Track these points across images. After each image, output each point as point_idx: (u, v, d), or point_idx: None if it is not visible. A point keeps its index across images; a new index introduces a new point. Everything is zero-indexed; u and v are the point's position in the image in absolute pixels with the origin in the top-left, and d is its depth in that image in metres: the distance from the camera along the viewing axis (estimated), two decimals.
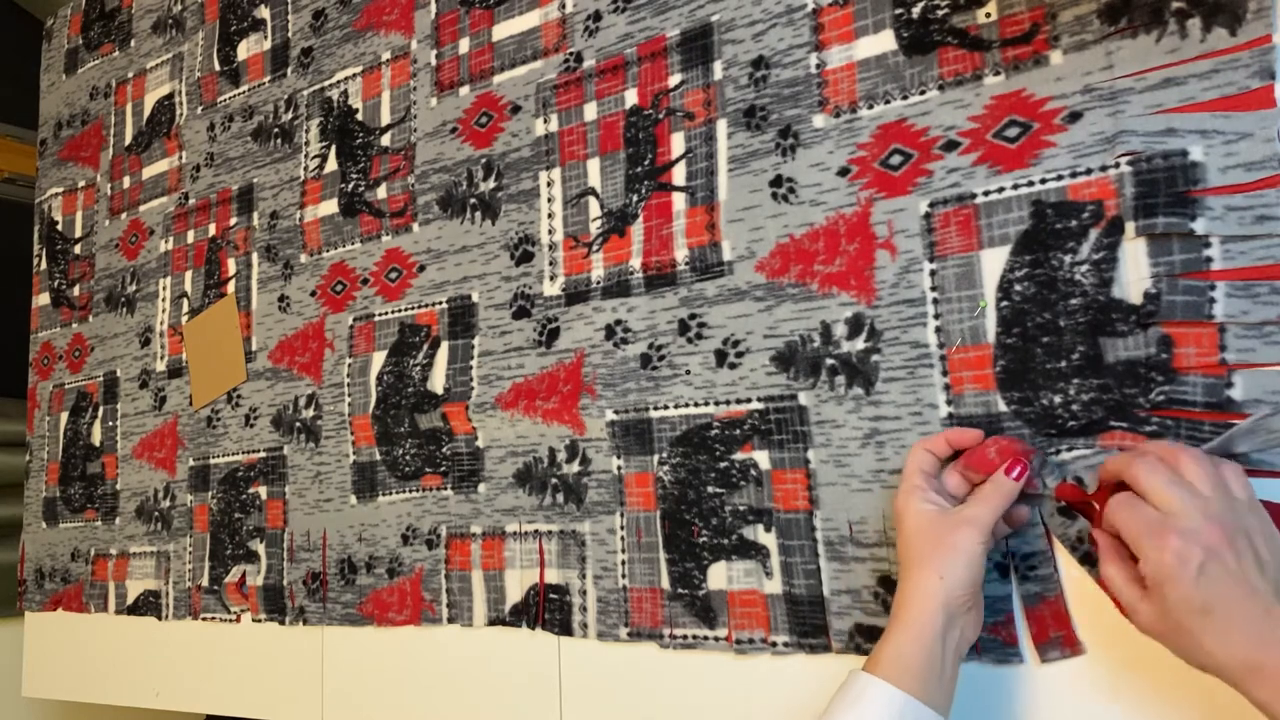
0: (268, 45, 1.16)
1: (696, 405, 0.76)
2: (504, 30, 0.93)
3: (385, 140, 1.01)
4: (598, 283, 0.83)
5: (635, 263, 0.80)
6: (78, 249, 1.37)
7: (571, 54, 0.87)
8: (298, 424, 1.05)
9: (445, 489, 0.91)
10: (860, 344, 0.68)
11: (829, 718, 0.55)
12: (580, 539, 0.81)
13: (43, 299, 1.42)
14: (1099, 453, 0.59)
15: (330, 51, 1.08)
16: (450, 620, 0.89)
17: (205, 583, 1.11)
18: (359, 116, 1.04)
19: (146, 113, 1.31)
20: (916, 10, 0.68)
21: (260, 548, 1.06)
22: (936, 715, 0.54)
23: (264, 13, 1.17)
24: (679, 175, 0.79)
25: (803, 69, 0.73)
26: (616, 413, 0.80)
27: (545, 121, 0.88)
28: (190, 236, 1.21)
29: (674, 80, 0.80)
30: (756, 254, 0.74)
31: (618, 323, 0.81)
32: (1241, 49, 0.56)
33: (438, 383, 0.92)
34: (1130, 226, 0.58)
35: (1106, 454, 0.58)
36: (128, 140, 1.33)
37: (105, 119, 1.37)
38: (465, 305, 0.92)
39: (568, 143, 0.86)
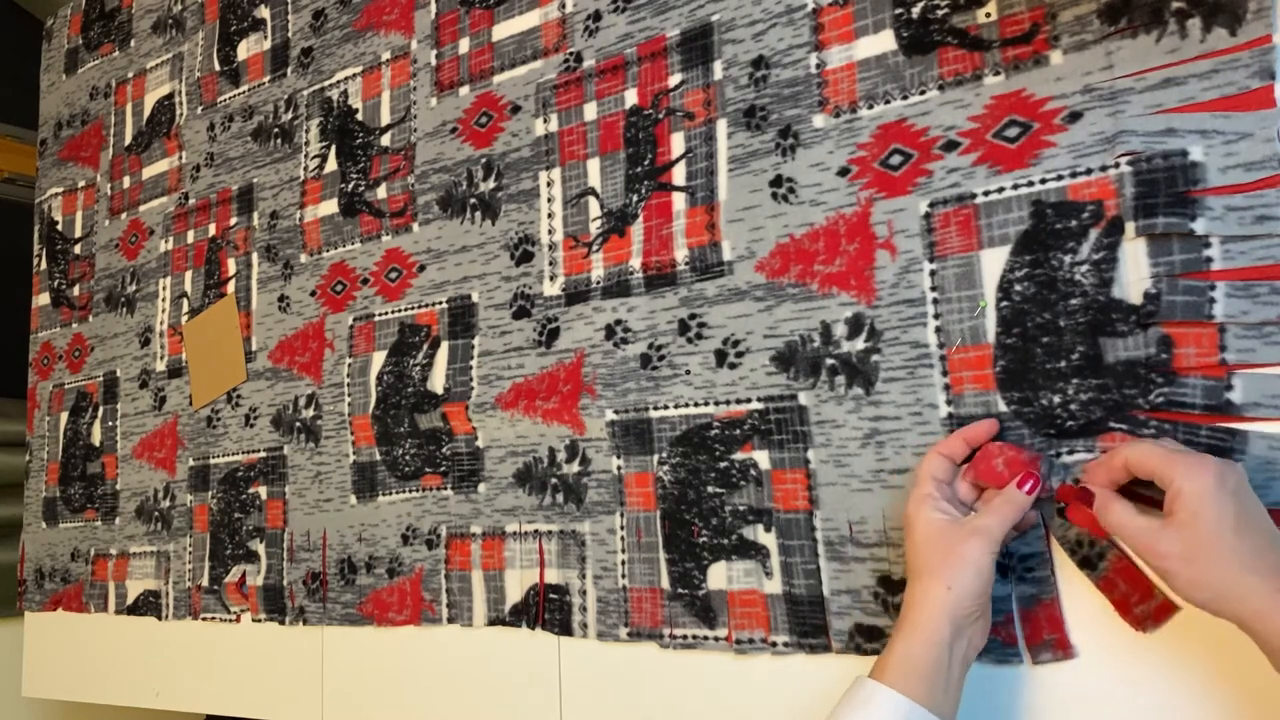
0: (268, 45, 1.16)
1: (696, 405, 0.76)
2: (504, 30, 0.93)
3: (385, 140, 1.01)
4: (598, 283, 0.83)
5: (635, 263, 0.80)
6: (78, 249, 1.37)
7: (571, 54, 0.87)
8: (298, 424, 1.05)
9: (445, 489, 0.91)
10: (860, 344, 0.68)
11: None
12: (580, 539, 0.81)
13: (43, 299, 1.42)
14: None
15: (330, 51, 1.08)
16: (450, 620, 0.89)
17: (205, 583, 1.11)
18: (359, 116, 1.04)
19: (146, 113, 1.31)
20: (916, 10, 0.68)
21: (260, 548, 1.06)
22: None
23: (264, 13, 1.17)
24: (679, 175, 0.79)
25: (803, 69, 0.73)
26: (616, 413, 0.80)
27: (545, 121, 0.88)
28: (190, 236, 1.21)
29: (674, 80, 0.80)
30: (756, 254, 0.74)
31: (618, 323, 0.81)
32: (1241, 49, 0.56)
33: (438, 383, 0.92)
34: (1130, 226, 0.58)
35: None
36: (128, 140, 1.33)
37: (105, 119, 1.37)
38: (465, 305, 0.92)
39: (568, 143, 0.86)
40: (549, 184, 0.87)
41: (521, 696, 0.84)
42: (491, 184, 0.91)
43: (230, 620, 1.08)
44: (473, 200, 0.92)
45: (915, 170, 0.67)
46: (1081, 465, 0.59)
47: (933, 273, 0.66)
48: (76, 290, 1.36)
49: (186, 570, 1.13)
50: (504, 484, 0.87)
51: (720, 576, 0.73)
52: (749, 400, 0.73)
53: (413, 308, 0.96)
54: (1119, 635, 0.58)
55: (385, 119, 1.01)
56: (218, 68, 1.22)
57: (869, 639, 0.66)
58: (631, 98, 0.82)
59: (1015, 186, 0.63)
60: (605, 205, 0.83)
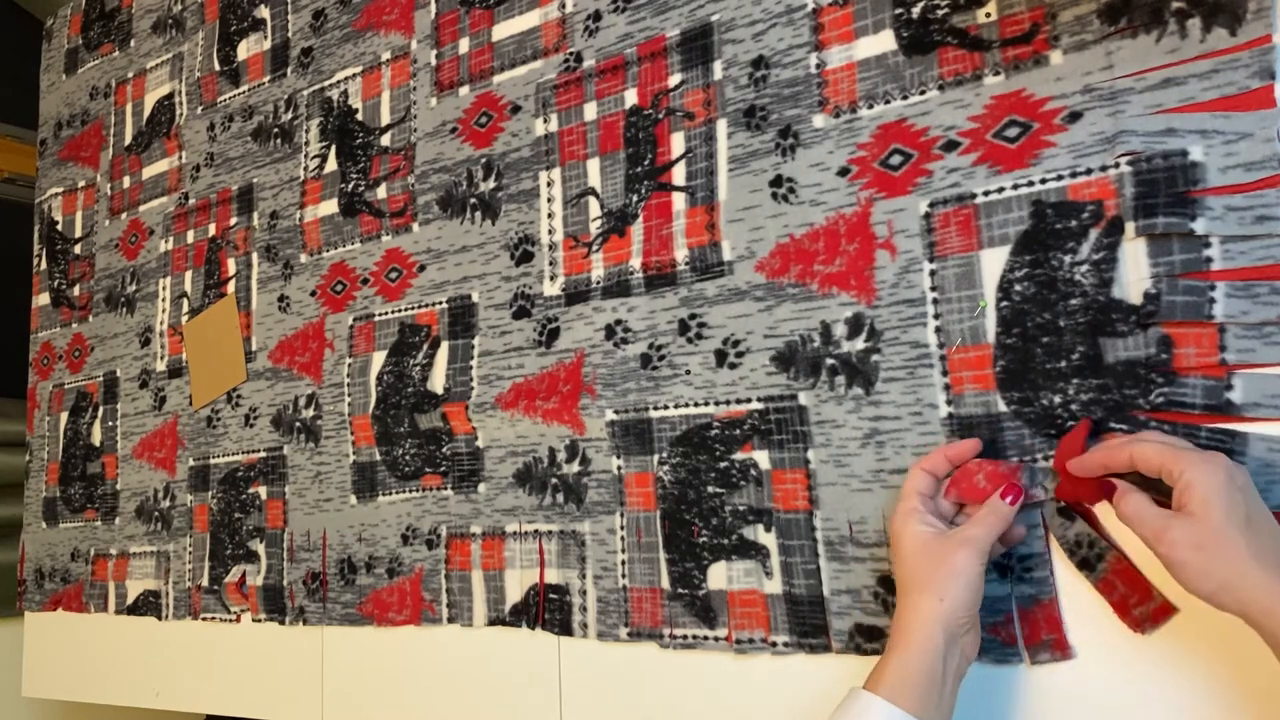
0: (268, 45, 1.16)
1: (696, 405, 0.76)
2: (504, 30, 0.93)
3: (385, 140, 1.01)
4: (598, 283, 0.83)
5: (635, 263, 0.80)
6: (78, 249, 1.37)
7: (571, 54, 0.87)
8: (298, 424, 1.05)
9: (445, 489, 0.91)
10: (860, 344, 0.68)
11: None
12: (580, 539, 0.81)
13: (43, 299, 1.42)
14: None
15: (330, 51, 1.08)
16: (450, 620, 0.89)
17: (205, 583, 1.11)
18: (359, 116, 1.04)
19: (146, 113, 1.31)
20: (916, 10, 0.68)
21: (260, 548, 1.06)
22: None
23: (264, 13, 1.17)
24: (679, 175, 0.79)
25: (803, 69, 0.73)
26: (616, 413, 0.80)
27: (545, 121, 0.88)
28: (190, 236, 1.21)
29: (674, 80, 0.80)
30: (756, 254, 0.74)
31: (618, 323, 0.81)
32: (1241, 49, 0.56)
33: (438, 383, 0.92)
34: (1130, 226, 0.58)
35: None
36: (128, 140, 1.33)
37: (105, 119, 1.37)
38: (465, 305, 0.92)
39: (568, 143, 0.86)
40: (549, 184, 0.87)
41: (521, 696, 0.84)
42: (491, 184, 0.91)
43: (230, 620, 1.08)
44: (473, 200, 0.92)
45: (915, 170, 0.67)
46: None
47: (933, 273, 0.66)
48: (76, 290, 1.36)
49: (186, 570, 1.13)
50: (504, 484, 0.87)
51: (720, 576, 0.73)
52: (749, 400, 0.73)
53: (413, 308, 0.96)
54: (1117, 635, 0.58)
55: (385, 119, 1.01)
56: (218, 68, 1.22)
57: (869, 639, 0.66)
58: (631, 98, 0.82)
59: (1015, 186, 0.63)
60: (605, 205, 0.83)
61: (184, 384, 1.18)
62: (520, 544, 0.85)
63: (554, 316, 0.85)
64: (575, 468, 0.82)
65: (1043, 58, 0.63)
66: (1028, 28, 0.64)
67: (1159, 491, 0.53)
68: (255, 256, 1.12)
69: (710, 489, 0.74)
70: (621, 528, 0.79)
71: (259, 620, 1.05)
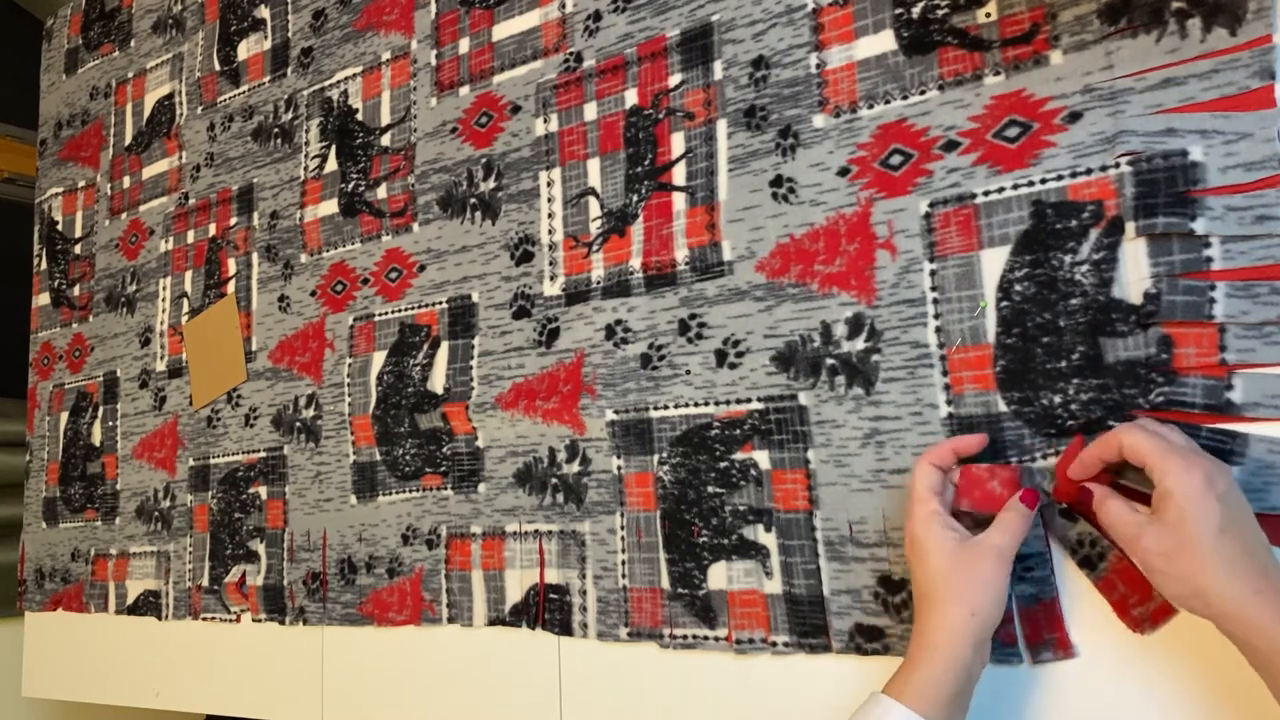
0: (268, 45, 1.16)
1: (696, 405, 0.76)
2: (504, 30, 0.93)
3: (385, 140, 1.01)
4: (598, 283, 0.83)
5: (635, 263, 0.80)
6: (78, 249, 1.37)
7: (571, 54, 0.87)
8: (298, 424, 1.05)
9: (445, 489, 0.91)
10: (860, 344, 0.68)
11: None
12: (580, 539, 0.81)
13: (43, 299, 1.42)
14: None
15: (330, 51, 1.08)
16: (450, 620, 0.89)
17: (205, 583, 1.11)
18: (359, 116, 1.04)
19: (146, 113, 1.31)
20: (916, 10, 0.68)
21: (260, 548, 1.06)
22: None
23: (264, 13, 1.17)
24: (679, 175, 0.79)
25: (803, 69, 0.73)
26: (616, 413, 0.80)
27: (545, 121, 0.88)
28: (190, 236, 1.21)
29: (674, 80, 0.80)
30: (756, 254, 0.74)
31: (618, 323, 0.81)
32: (1241, 49, 0.56)
33: (438, 383, 0.92)
34: (1130, 226, 0.58)
35: None
36: (128, 140, 1.33)
37: (105, 119, 1.37)
38: (465, 305, 0.92)
39: (568, 143, 0.86)
40: (549, 184, 0.87)
41: (521, 696, 0.84)
42: (491, 184, 0.91)
43: (230, 620, 1.08)
44: (473, 200, 0.93)
45: (915, 170, 0.67)
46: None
47: (933, 273, 0.66)
48: (76, 290, 1.36)
49: (186, 570, 1.13)
50: (504, 484, 0.87)
51: (720, 576, 0.73)
52: (749, 400, 0.73)
53: (413, 308, 0.96)
54: (1119, 635, 0.58)
55: (385, 119, 1.01)
56: (218, 68, 1.22)
57: (869, 639, 0.66)
58: (632, 98, 0.82)
59: (1015, 186, 0.63)
60: (605, 205, 0.83)
61: (184, 384, 1.18)
62: (520, 544, 0.85)
63: (554, 316, 0.85)
64: (575, 468, 0.82)
65: (1043, 58, 0.63)
66: (1028, 28, 0.64)
67: (1147, 484, 0.53)
68: (255, 256, 1.12)
69: (710, 489, 0.74)
70: (621, 528, 0.79)
71: (259, 620, 1.05)
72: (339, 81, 1.07)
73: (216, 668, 1.10)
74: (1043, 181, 0.62)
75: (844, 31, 0.72)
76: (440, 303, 0.94)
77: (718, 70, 0.78)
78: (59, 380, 1.36)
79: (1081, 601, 0.60)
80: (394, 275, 0.98)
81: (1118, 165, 0.59)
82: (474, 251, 0.92)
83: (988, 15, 0.65)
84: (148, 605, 1.17)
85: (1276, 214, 0.55)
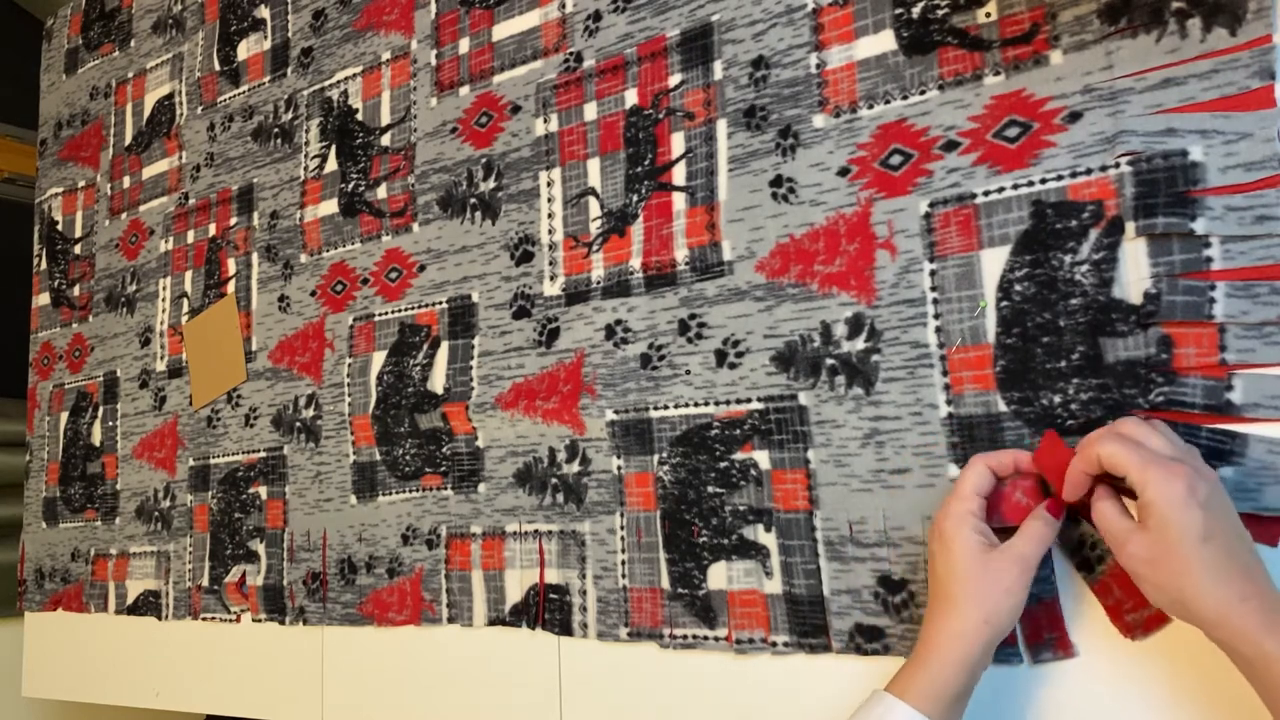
0: (268, 45, 1.16)
1: (696, 405, 0.76)
2: (504, 30, 0.93)
3: (385, 140, 1.01)
4: (598, 283, 0.83)
5: (635, 263, 0.80)
6: (78, 249, 1.37)
7: (571, 54, 0.87)
8: (298, 424, 1.05)
9: (445, 489, 0.91)
10: (860, 344, 0.68)
11: None
12: (580, 539, 0.81)
13: (43, 299, 1.42)
14: None
15: (330, 51, 1.08)
16: (450, 620, 0.89)
17: (205, 583, 1.11)
18: (359, 116, 1.04)
19: (146, 113, 1.31)
20: (916, 10, 0.68)
21: (260, 548, 1.06)
22: None
23: (264, 13, 1.17)
24: (679, 175, 0.79)
25: (803, 69, 0.73)
26: (616, 413, 0.80)
27: (545, 121, 0.88)
28: (190, 236, 1.21)
29: (674, 80, 0.80)
30: (756, 254, 0.74)
31: (618, 323, 0.81)
32: (1241, 49, 0.56)
33: (438, 383, 0.92)
34: (1130, 226, 0.58)
35: None
36: (128, 140, 1.33)
37: (105, 119, 1.37)
38: (465, 305, 0.92)
39: (568, 143, 0.86)
40: (549, 184, 0.87)
41: (521, 696, 0.84)
42: (491, 184, 0.91)
43: (230, 620, 1.08)
44: (473, 200, 0.93)
45: (915, 170, 0.67)
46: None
47: (933, 273, 0.66)
48: (76, 290, 1.36)
49: (186, 570, 1.13)
50: (504, 484, 0.87)
51: (720, 576, 0.73)
52: (749, 400, 0.73)
53: (413, 308, 0.96)
54: (1120, 636, 0.58)
55: (385, 119, 1.01)
56: (218, 68, 1.22)
57: (869, 639, 0.66)
58: (631, 98, 0.82)
59: (1015, 186, 0.63)
60: (605, 205, 0.83)
61: (184, 384, 1.18)
62: (520, 544, 0.85)
63: (554, 316, 0.85)
64: (575, 468, 0.82)
65: (1043, 58, 0.63)
66: (1028, 28, 0.64)
67: None
68: (255, 256, 1.12)
69: (710, 489, 0.74)
70: (621, 528, 0.79)
71: (259, 620, 1.05)
72: (339, 81, 1.07)
73: (216, 668, 1.10)
74: (1043, 181, 0.62)
75: (844, 31, 0.72)
76: (440, 303, 0.94)
77: (718, 70, 0.78)
78: (59, 380, 1.36)
79: (1082, 602, 0.60)
80: (394, 275, 0.98)
81: (1118, 165, 0.59)
82: (474, 251, 0.92)
83: (988, 15, 0.65)
84: (148, 605, 1.17)
85: (1276, 214, 0.55)
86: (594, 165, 0.84)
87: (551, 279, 0.86)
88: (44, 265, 1.43)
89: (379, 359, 0.98)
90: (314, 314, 1.05)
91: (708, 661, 0.74)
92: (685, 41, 0.80)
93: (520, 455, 0.86)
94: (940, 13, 0.67)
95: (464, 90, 0.95)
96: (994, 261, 0.63)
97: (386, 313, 0.98)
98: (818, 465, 0.70)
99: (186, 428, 1.17)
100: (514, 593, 0.85)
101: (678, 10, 0.81)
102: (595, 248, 0.83)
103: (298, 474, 1.04)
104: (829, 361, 0.70)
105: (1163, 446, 0.51)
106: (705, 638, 0.74)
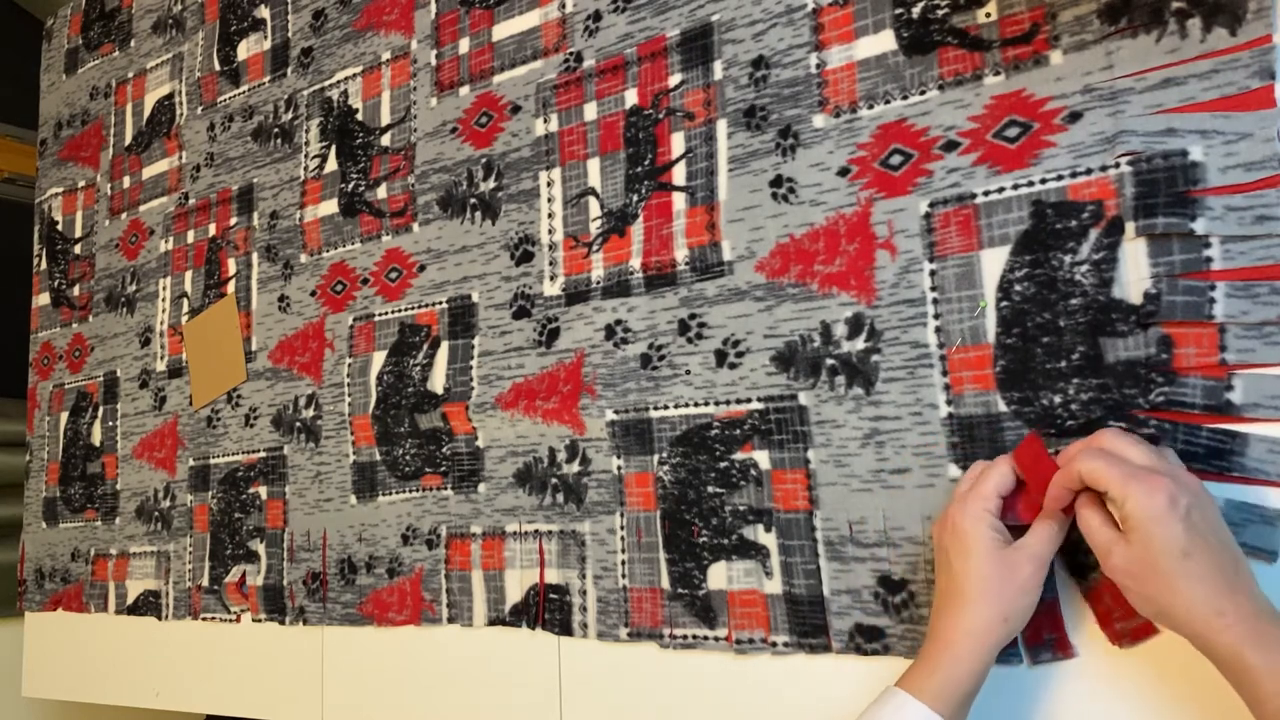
0: (268, 45, 1.16)
1: (696, 405, 0.76)
2: (504, 30, 0.93)
3: (385, 140, 1.01)
4: (598, 283, 0.83)
5: (635, 263, 0.80)
6: (78, 249, 1.37)
7: (571, 54, 0.87)
8: (298, 424, 1.05)
9: (445, 489, 0.91)
10: (860, 344, 0.68)
11: None
12: (580, 539, 0.81)
13: (43, 299, 1.42)
14: None
15: (330, 51, 1.08)
16: (450, 620, 0.89)
17: (205, 583, 1.11)
18: (359, 116, 1.04)
19: (146, 113, 1.31)
20: (916, 10, 0.68)
21: (260, 548, 1.06)
22: None
23: (264, 13, 1.17)
24: (679, 175, 0.79)
25: (803, 69, 0.73)
26: (616, 413, 0.80)
27: (545, 121, 0.88)
28: (190, 236, 1.21)
29: (674, 80, 0.80)
30: (756, 254, 0.74)
31: (618, 323, 0.81)
32: (1241, 49, 0.56)
33: (438, 383, 0.92)
34: (1130, 226, 0.58)
35: None
36: (128, 140, 1.33)
37: (105, 119, 1.37)
38: (465, 305, 0.92)
39: (568, 143, 0.86)
40: (549, 184, 0.87)
41: (521, 696, 0.84)
42: (491, 184, 0.91)
43: (230, 620, 1.08)
44: (473, 200, 0.93)
45: (915, 170, 0.67)
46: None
47: (933, 273, 0.66)
48: (76, 290, 1.36)
49: (186, 570, 1.13)
50: (504, 484, 0.87)
51: (720, 576, 0.73)
52: (749, 400, 0.73)
53: (413, 308, 0.96)
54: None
55: (385, 119, 1.01)
56: (218, 68, 1.22)
57: (869, 639, 0.66)
58: (631, 98, 0.82)
59: (1015, 186, 0.63)
60: (605, 205, 0.83)
61: (184, 384, 1.18)
62: (520, 544, 0.85)
63: (554, 316, 0.85)
64: (575, 468, 0.82)
65: (1043, 58, 0.63)
66: (1028, 28, 0.64)
67: None
68: (255, 256, 1.12)
69: (710, 489, 0.74)
70: (621, 528, 0.79)
71: (259, 620, 1.05)
72: (339, 81, 1.07)
73: (216, 668, 1.10)
74: (1043, 181, 0.62)
75: (844, 31, 0.72)
76: (440, 303, 0.94)
77: (718, 70, 0.78)
78: (59, 380, 1.36)
79: (1081, 603, 0.59)
80: (394, 275, 0.98)
81: (1118, 165, 0.59)
82: (474, 251, 0.92)
83: (988, 15, 0.65)
84: (148, 605, 1.17)
85: (1276, 214, 0.55)
86: (594, 165, 0.84)
87: (551, 279, 0.86)
88: (44, 265, 1.43)
89: (379, 359, 0.98)
90: (314, 314, 1.05)
91: (708, 661, 0.74)
92: (685, 41, 0.80)
93: (520, 455, 0.86)
94: (940, 13, 0.67)
95: (464, 90, 0.95)
96: (994, 261, 0.63)
97: (386, 313, 0.98)
98: (818, 465, 0.70)
99: (186, 428, 1.17)
100: (514, 593, 0.85)
101: (678, 10, 0.81)
102: (595, 248, 0.83)
103: (298, 474, 1.04)
104: (829, 361, 0.70)
105: (1142, 458, 0.51)
106: (705, 638, 0.74)
